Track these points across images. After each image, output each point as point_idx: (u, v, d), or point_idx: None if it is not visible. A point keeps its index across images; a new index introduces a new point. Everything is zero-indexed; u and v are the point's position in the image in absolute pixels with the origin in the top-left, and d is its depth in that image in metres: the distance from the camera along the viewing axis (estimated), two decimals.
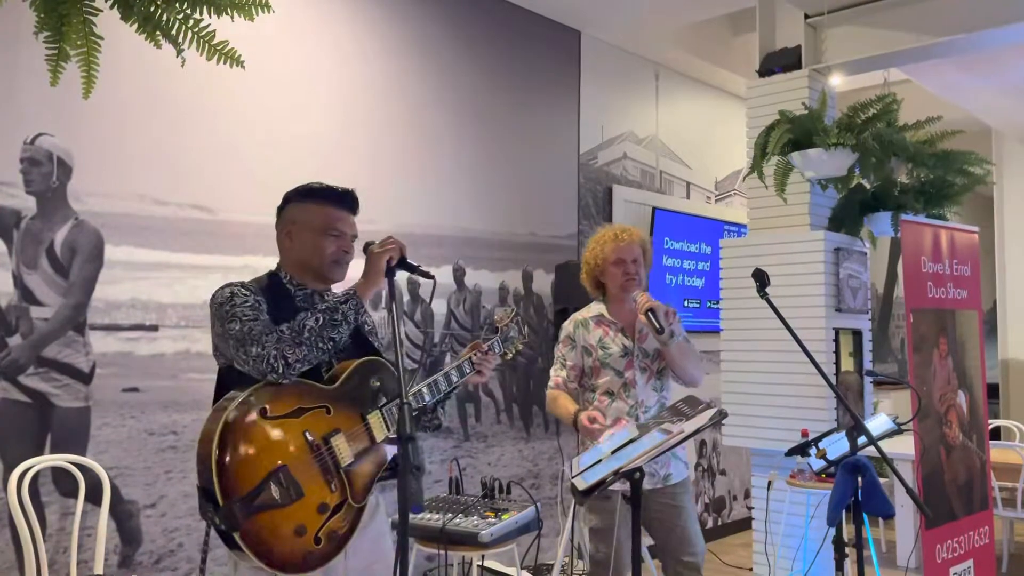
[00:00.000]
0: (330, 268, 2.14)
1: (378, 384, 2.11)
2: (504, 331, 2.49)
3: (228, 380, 2.01)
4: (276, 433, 1.91)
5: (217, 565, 3.41)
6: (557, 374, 3.13)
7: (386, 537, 2.21)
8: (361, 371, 2.10)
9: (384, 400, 2.11)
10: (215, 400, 2.04)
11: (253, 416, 1.89)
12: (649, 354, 3.10)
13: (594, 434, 2.84)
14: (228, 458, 1.84)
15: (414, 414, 2.17)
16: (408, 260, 2.07)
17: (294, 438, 1.93)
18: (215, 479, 1.82)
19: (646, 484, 2.98)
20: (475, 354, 2.33)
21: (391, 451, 2.09)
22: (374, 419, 2.07)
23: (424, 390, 2.21)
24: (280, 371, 1.91)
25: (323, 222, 2.13)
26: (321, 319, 1.96)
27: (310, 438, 1.95)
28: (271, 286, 2.12)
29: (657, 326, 2.90)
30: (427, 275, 2.07)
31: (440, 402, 2.30)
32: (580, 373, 3.11)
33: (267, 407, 1.92)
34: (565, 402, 3.06)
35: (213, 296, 2.05)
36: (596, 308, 3.16)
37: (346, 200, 2.17)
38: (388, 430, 2.08)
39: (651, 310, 2.91)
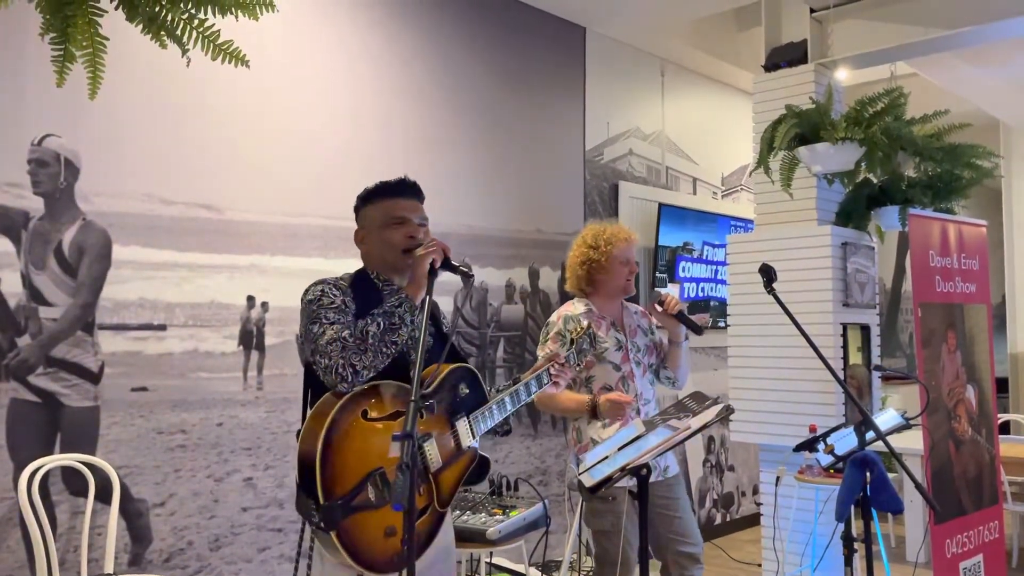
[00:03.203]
0: (403, 257, 2.14)
1: (467, 391, 2.16)
2: (578, 343, 2.57)
3: (315, 373, 2.02)
4: (375, 435, 1.94)
5: (226, 564, 3.42)
6: None
7: (449, 534, 2.26)
8: (452, 377, 2.14)
9: (471, 407, 2.17)
10: (304, 395, 2.08)
11: (356, 418, 1.93)
12: (641, 349, 3.14)
13: (625, 410, 2.85)
14: (332, 458, 1.87)
15: (498, 423, 2.23)
16: (452, 261, 2.08)
17: (390, 441, 1.96)
18: (318, 478, 1.84)
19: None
20: (553, 366, 2.39)
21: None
22: (461, 426, 2.12)
23: (507, 399, 2.24)
24: (349, 379, 1.92)
25: (383, 215, 2.17)
26: (382, 324, 1.97)
27: None
28: (360, 282, 2.15)
29: (693, 327, 3.00)
30: (468, 275, 2.09)
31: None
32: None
33: (368, 409, 1.95)
34: (569, 393, 3.03)
35: (305, 291, 2.09)
36: (580, 305, 3.14)
37: (402, 188, 2.20)
38: (473, 438, 2.14)
39: (682, 311, 3.01)
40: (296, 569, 2.06)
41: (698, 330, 3.02)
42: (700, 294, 5.77)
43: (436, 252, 2.04)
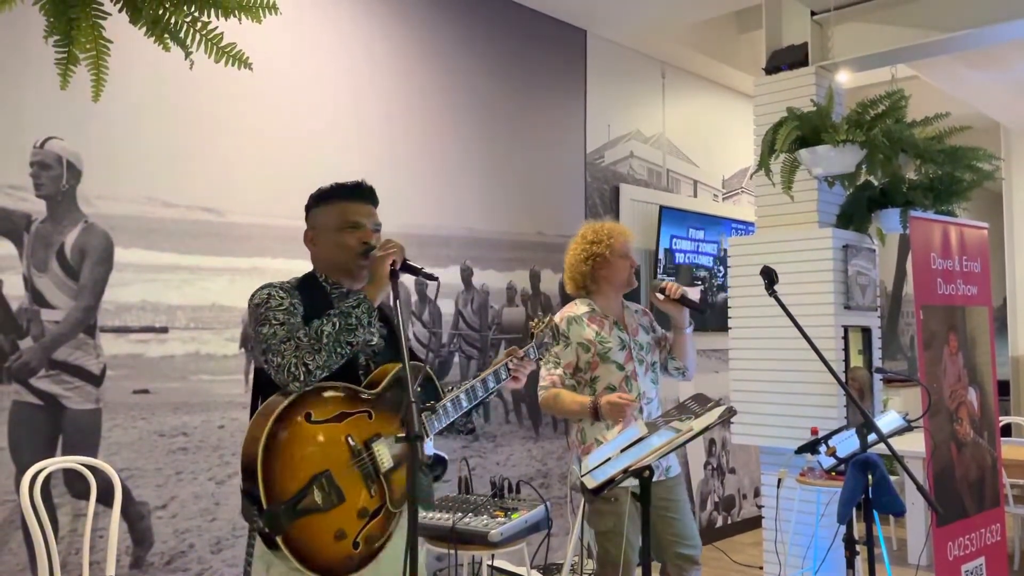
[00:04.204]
0: (356, 261, 2.12)
1: (418, 389, 2.11)
2: (539, 337, 2.49)
3: (263, 379, 2.01)
4: (320, 437, 1.91)
5: (228, 566, 3.42)
6: (552, 373, 3.06)
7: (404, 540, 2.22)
8: (401, 376, 2.10)
9: (423, 405, 2.11)
10: (253, 398, 2.06)
11: (299, 420, 1.89)
12: (644, 347, 3.14)
13: (626, 411, 2.84)
14: (273, 462, 1.84)
15: (452, 420, 2.18)
16: (410, 262, 2.07)
17: (337, 443, 1.93)
18: (260, 482, 1.81)
19: None
20: (511, 360, 2.32)
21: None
22: None
23: (462, 396, 2.20)
24: (302, 379, 1.90)
25: (338, 218, 2.14)
26: (338, 324, 1.95)
27: (352, 443, 1.95)
28: (308, 286, 2.13)
29: (696, 307, 3.05)
30: (430, 277, 2.06)
31: (475, 407, 2.29)
32: (574, 370, 3.09)
33: (312, 411, 1.92)
34: (572, 395, 3.04)
35: (251, 296, 2.06)
36: (583, 305, 3.15)
37: (358, 192, 2.17)
38: (426, 436, 2.10)
39: (684, 294, 3.01)
40: None
41: (702, 309, 3.06)
42: (685, 260, 5.80)
43: (395, 253, 2.02)
